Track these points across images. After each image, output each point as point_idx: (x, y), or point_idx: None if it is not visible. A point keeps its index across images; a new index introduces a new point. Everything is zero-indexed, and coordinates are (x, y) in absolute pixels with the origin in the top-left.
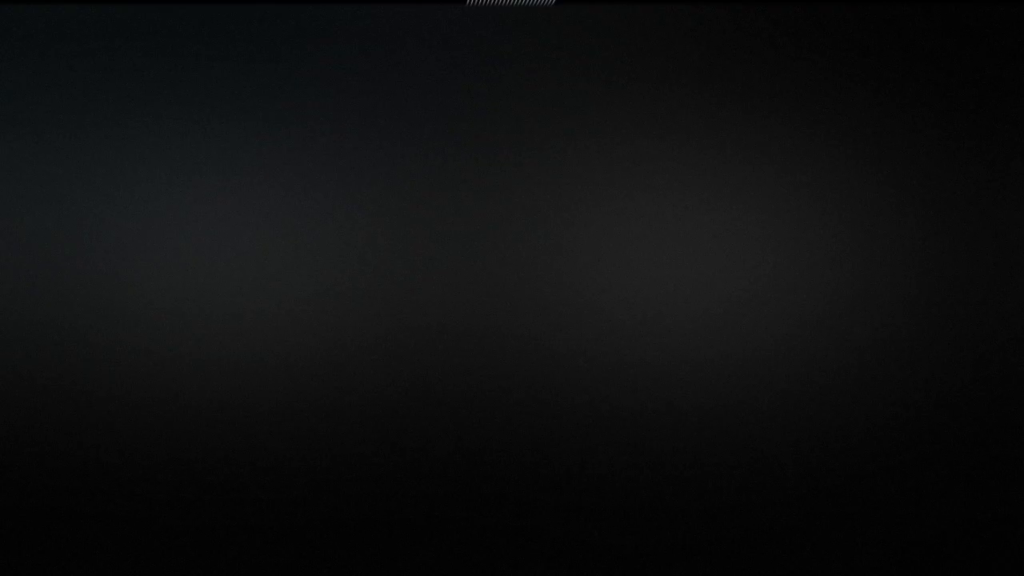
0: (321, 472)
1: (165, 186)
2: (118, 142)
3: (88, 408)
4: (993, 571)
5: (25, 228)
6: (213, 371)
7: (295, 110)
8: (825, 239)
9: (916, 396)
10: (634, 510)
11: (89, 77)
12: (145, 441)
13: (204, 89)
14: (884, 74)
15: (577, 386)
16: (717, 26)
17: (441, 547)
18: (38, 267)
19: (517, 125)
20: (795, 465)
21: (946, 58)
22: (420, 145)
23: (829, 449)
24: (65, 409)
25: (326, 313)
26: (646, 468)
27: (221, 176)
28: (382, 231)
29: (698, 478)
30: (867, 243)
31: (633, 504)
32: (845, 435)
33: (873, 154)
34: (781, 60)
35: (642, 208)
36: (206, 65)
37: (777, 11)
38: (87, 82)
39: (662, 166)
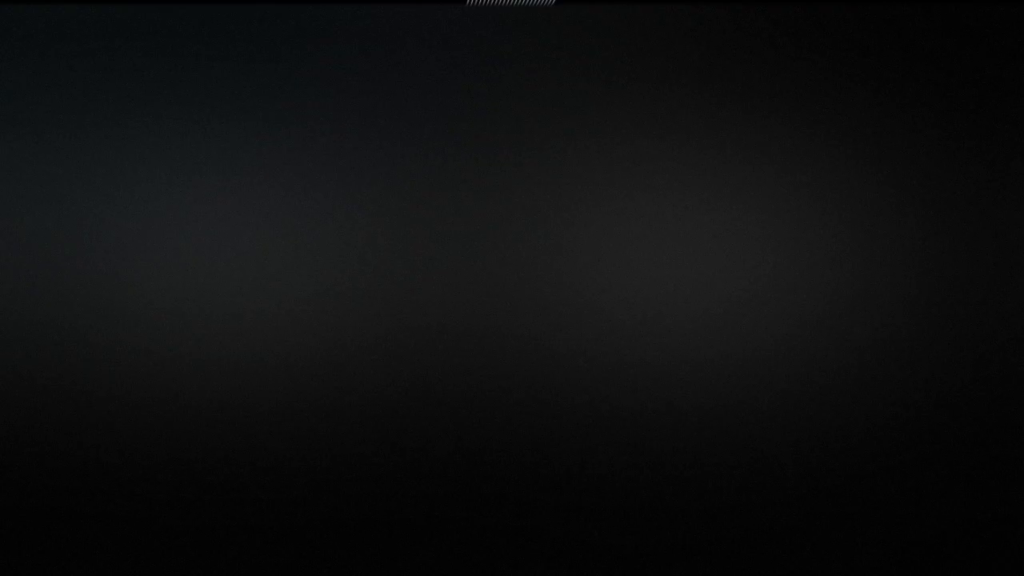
0: (321, 472)
1: (165, 186)
2: (118, 142)
3: (88, 408)
4: (993, 571)
5: (25, 228)
6: (213, 371)
7: (295, 110)
8: (825, 239)
9: (916, 396)
10: (634, 510)
11: (89, 77)
12: (145, 441)
13: (204, 89)
14: (884, 74)
15: (577, 386)
16: (717, 26)
17: (441, 547)
18: (38, 267)
19: (517, 125)
20: (795, 465)
21: (946, 58)
22: (420, 145)
23: (829, 449)
24: (65, 409)
25: (326, 313)
26: (646, 468)
27: (221, 176)
28: (382, 231)
29: (698, 478)
30: (867, 243)
31: (633, 504)
32: (845, 435)
33: (873, 154)
34: (781, 60)
35: (642, 208)
36: (206, 65)
37: (777, 11)
38: (87, 82)
39: (662, 166)
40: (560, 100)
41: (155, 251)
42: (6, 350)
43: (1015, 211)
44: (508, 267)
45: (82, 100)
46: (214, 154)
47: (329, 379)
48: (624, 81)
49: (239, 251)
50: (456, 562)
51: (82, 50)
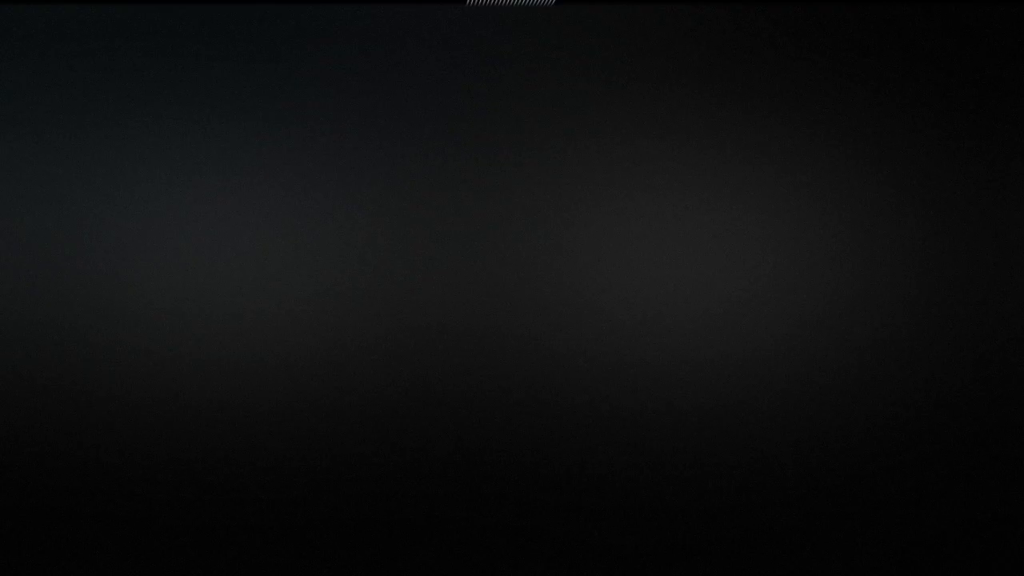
0: (321, 472)
1: (165, 186)
2: (118, 142)
3: (88, 408)
4: (993, 571)
5: (25, 228)
6: (213, 371)
7: (295, 110)
8: (825, 239)
9: (916, 396)
10: (634, 510)
11: (89, 77)
12: (145, 441)
13: (204, 89)
14: (884, 74)
15: (577, 386)
16: (717, 26)
17: (441, 547)
18: (38, 267)
19: (517, 125)
20: (795, 465)
21: (946, 58)
22: (420, 145)
23: (829, 449)
24: (65, 409)
25: (326, 313)
26: (646, 468)
27: (221, 176)
28: (382, 231)
29: (698, 478)
30: (867, 243)
31: (633, 504)
32: (845, 435)
33: (873, 154)
34: (781, 60)
35: (642, 208)
36: (206, 65)
37: (777, 11)
38: (87, 82)
39: (662, 166)
40: (560, 100)
41: (155, 251)
42: (6, 350)
43: (1015, 211)
44: (508, 267)
45: (82, 100)
46: (214, 154)
47: (329, 379)
48: (624, 81)
49: (239, 251)
50: (456, 562)
51: (82, 50)
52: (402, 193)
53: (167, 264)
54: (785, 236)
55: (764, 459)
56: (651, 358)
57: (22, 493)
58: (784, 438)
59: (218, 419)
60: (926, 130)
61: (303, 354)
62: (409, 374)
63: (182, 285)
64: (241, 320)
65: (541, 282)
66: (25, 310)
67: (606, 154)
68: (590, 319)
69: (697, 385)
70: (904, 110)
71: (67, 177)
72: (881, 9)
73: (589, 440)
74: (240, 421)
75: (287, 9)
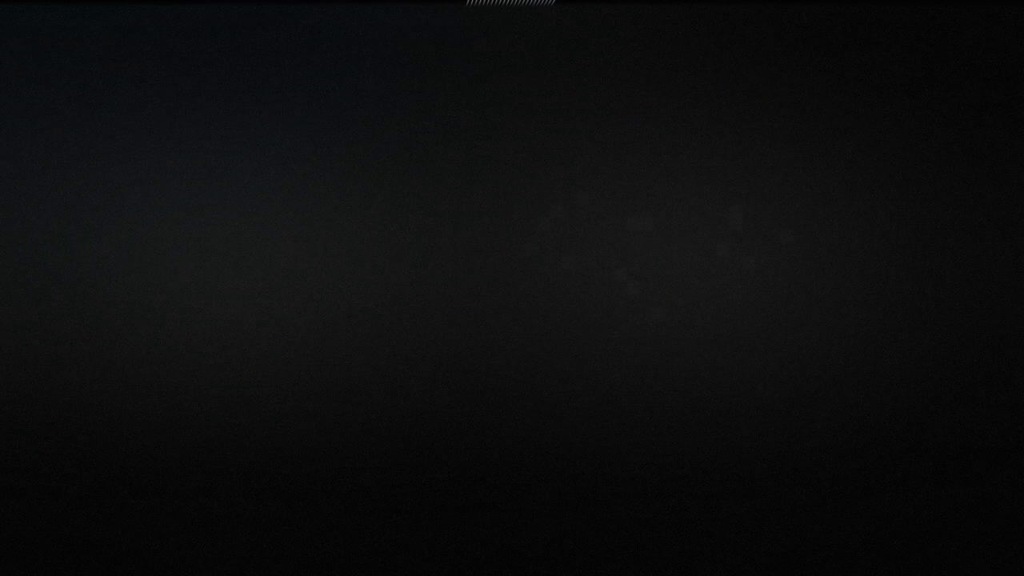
0: (322, 471)
1: (165, 186)
2: (119, 142)
3: (88, 408)
4: (993, 571)
5: (25, 228)
6: (213, 371)
7: (295, 110)
8: (825, 239)
9: (916, 396)
10: (637, 509)
11: (89, 77)
12: (146, 440)
13: (204, 89)
14: (884, 74)
15: (582, 386)
16: (717, 26)
17: (441, 547)
18: (39, 267)
19: (517, 125)
20: (795, 465)
21: (946, 58)
22: (420, 145)
23: (828, 449)
24: (65, 408)
25: (327, 314)
26: (646, 467)
27: (221, 176)
28: (382, 231)
29: (698, 478)
30: (867, 243)
31: (635, 503)
32: (844, 435)
33: (873, 154)
34: (781, 60)
35: (640, 207)
36: (206, 65)
37: (777, 11)
38: (87, 82)
39: (662, 166)
40: (560, 100)
41: (156, 251)
42: (7, 350)
43: (1015, 211)
44: (509, 268)
45: (82, 100)
46: (214, 154)
47: (330, 379)
48: (624, 81)
49: (239, 251)
50: (456, 561)
51: (82, 50)
52: (402, 193)
53: (168, 264)
54: (786, 236)
55: (764, 459)
56: (654, 359)
57: (22, 493)
58: (784, 438)
59: (218, 419)
60: (926, 130)
61: (303, 354)
62: (412, 374)
63: (182, 285)
64: (241, 321)
65: (541, 283)
66: (26, 310)
67: (606, 153)
68: (594, 321)
69: (697, 385)
70: (904, 110)
71: (68, 177)
72: (881, 9)
73: (590, 439)
74: (241, 420)
75: (287, 9)
